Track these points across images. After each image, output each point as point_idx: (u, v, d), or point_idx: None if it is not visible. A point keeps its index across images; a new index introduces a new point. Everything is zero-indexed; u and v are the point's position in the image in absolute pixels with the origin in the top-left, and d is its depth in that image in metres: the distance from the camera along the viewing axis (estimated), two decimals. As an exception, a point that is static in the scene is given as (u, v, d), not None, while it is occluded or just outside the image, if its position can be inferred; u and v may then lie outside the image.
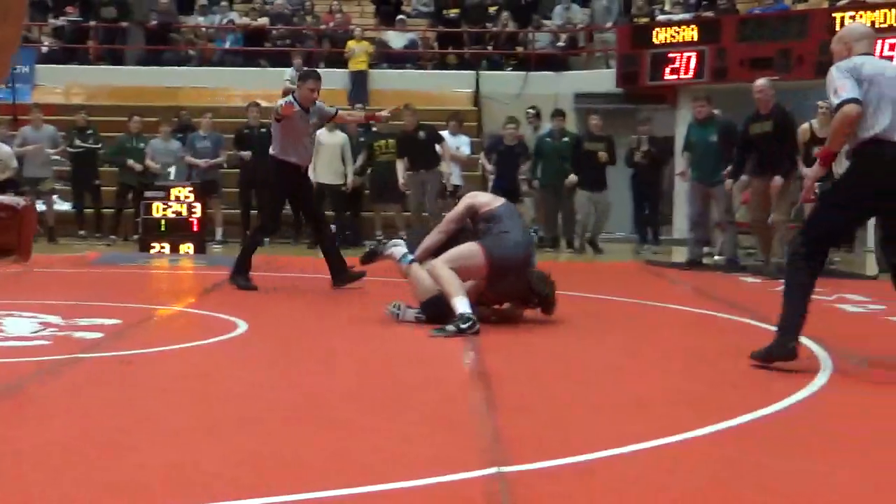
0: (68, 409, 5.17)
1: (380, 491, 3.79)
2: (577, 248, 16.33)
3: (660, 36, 19.71)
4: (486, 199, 8.41)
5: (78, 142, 17.30)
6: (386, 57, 22.38)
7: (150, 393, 5.68)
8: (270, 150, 10.83)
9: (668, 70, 19.45)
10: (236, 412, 5.11)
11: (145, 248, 14.88)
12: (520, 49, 22.65)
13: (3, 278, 10.47)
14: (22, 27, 2.09)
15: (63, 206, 17.72)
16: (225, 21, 23.01)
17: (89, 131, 17.51)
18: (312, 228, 11.80)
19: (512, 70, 22.08)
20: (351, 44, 21.52)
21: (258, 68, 22.25)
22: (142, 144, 17.18)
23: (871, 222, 6.73)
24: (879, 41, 16.02)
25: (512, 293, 8.20)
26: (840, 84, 6.14)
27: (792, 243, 6.75)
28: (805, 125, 12.84)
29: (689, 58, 19.14)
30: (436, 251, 8.14)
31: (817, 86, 6.92)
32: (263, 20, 22.57)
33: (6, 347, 6.84)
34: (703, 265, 13.38)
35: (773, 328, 6.33)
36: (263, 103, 19.18)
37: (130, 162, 16.91)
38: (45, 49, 22.60)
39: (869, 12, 17.31)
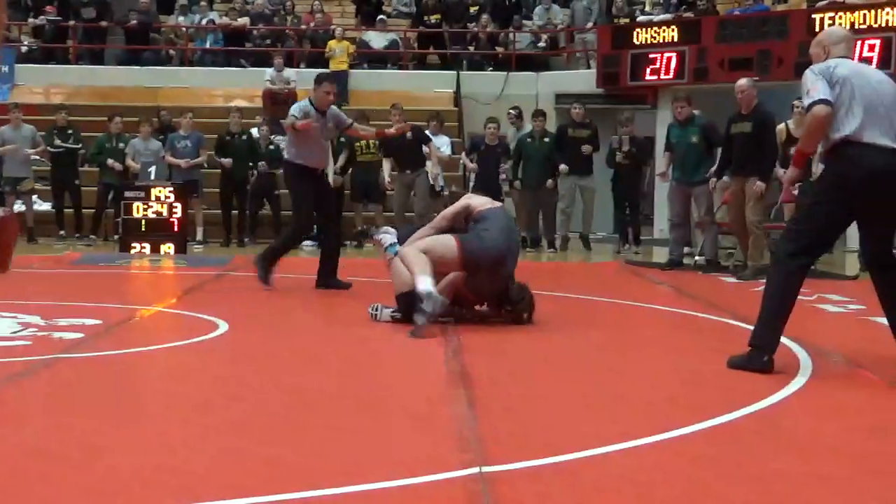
0: (47, 409, 5.15)
1: (361, 491, 3.78)
2: (558, 246, 16.33)
3: (640, 36, 19.75)
4: (482, 201, 8.40)
5: (58, 141, 17.22)
6: (366, 57, 22.38)
7: (131, 393, 5.67)
8: (284, 155, 10.77)
9: (648, 70, 19.49)
10: (217, 413, 5.10)
11: (126, 248, 14.82)
12: (500, 49, 22.66)
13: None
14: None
15: (43, 206, 17.65)
16: (205, 21, 22.96)
17: (69, 131, 17.43)
18: (321, 226, 11.71)
19: (492, 70, 22.09)
20: (332, 44, 21.51)
21: (239, 68, 22.23)
22: (121, 144, 17.12)
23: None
24: (859, 42, 16.09)
25: (486, 292, 8.18)
26: (812, 86, 6.16)
27: (775, 245, 6.76)
28: (781, 125, 12.89)
29: (669, 58, 19.19)
30: None
31: (797, 86, 6.95)
32: (244, 20, 22.52)
33: (-14, 348, 6.81)
34: (683, 265, 13.41)
35: (752, 327, 6.34)
36: (244, 104, 19.21)
37: (110, 162, 16.84)
38: (24, 48, 22.51)
39: (848, 13, 17.37)
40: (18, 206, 16.92)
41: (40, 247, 16.05)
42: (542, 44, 22.69)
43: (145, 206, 14.86)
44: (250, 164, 17.02)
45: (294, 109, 10.63)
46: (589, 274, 13.41)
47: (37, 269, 12.55)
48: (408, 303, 7.94)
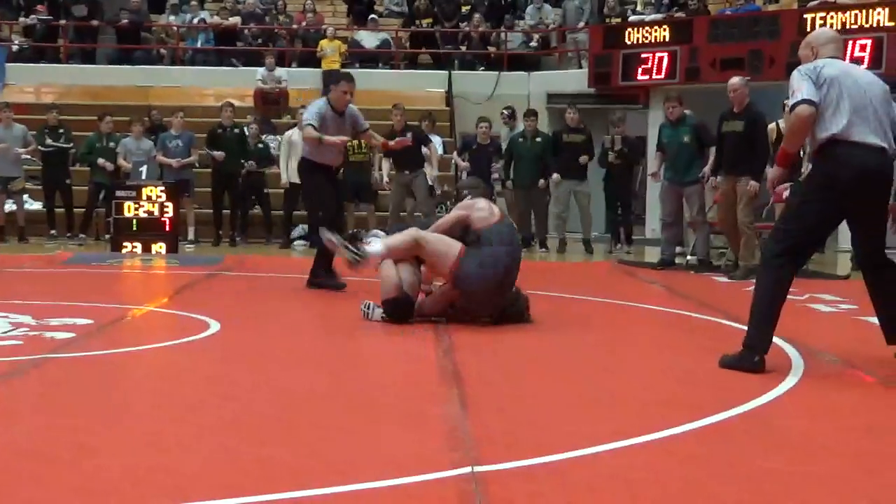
0: (38, 409, 5.14)
1: (353, 491, 3.78)
2: (553, 248, 16.34)
3: (632, 36, 19.75)
4: (483, 214, 8.11)
5: (49, 141, 17.19)
6: (358, 57, 22.37)
7: (122, 393, 5.66)
8: (301, 153, 10.70)
9: (640, 70, 19.49)
10: (209, 412, 5.09)
11: (117, 247, 14.80)
12: (492, 49, 22.67)
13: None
14: None
15: (34, 205, 17.62)
16: (196, 20, 22.93)
17: (60, 130, 17.40)
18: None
19: (484, 70, 22.10)
20: (323, 43, 21.50)
21: (230, 67, 22.21)
22: (112, 144, 17.08)
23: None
24: (850, 42, 16.11)
25: (480, 312, 8.07)
26: (798, 86, 6.17)
27: (765, 245, 6.76)
28: (772, 125, 12.90)
29: (661, 58, 19.19)
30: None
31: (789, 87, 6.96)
32: (235, 19, 22.51)
33: (-24, 348, 6.80)
34: (675, 265, 13.42)
35: (744, 327, 6.35)
36: (236, 103, 19.15)
37: (101, 161, 16.81)
38: (15, 48, 22.47)
39: (839, 13, 17.39)
40: (9, 206, 16.91)
41: (31, 246, 16.04)
42: (533, 43, 22.70)
43: (136, 206, 14.84)
44: (241, 160, 16.99)
45: (310, 111, 10.49)
46: (581, 273, 13.42)
47: (28, 269, 12.54)
48: (394, 307, 7.95)
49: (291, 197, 16.74)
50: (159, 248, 14.74)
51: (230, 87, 21.39)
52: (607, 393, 5.78)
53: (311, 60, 21.88)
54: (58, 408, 5.17)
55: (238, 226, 17.24)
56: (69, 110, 18.90)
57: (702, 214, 13.32)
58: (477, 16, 22.86)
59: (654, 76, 19.30)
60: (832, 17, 17.27)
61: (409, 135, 15.21)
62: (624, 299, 10.23)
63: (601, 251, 16.58)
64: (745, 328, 6.32)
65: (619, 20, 20.77)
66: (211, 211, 17.14)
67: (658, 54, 19.21)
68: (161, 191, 15.01)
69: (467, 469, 4.00)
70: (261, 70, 20.84)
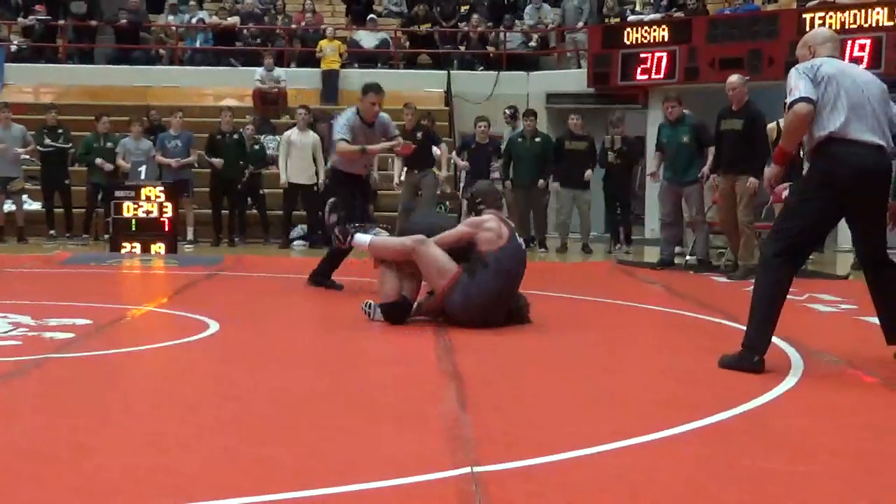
0: (38, 409, 5.14)
1: (353, 491, 3.77)
2: (559, 248, 16.34)
3: (631, 36, 19.76)
4: (489, 236, 7.86)
5: (48, 141, 17.19)
6: (357, 56, 22.37)
7: (122, 393, 5.65)
8: (330, 161, 10.65)
9: (639, 70, 19.50)
10: (208, 412, 5.09)
11: (116, 248, 14.80)
12: (491, 49, 22.67)
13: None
14: None
15: (33, 205, 17.61)
16: (195, 20, 22.93)
17: (59, 130, 17.40)
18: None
19: (483, 70, 22.10)
20: (323, 43, 21.51)
21: (229, 67, 22.21)
22: (109, 144, 17.08)
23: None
24: (849, 42, 16.12)
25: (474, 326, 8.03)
26: (795, 84, 6.16)
27: (763, 245, 6.76)
28: (772, 124, 12.89)
29: (660, 58, 19.20)
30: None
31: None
32: (234, 19, 22.52)
33: (-24, 348, 6.79)
34: (674, 265, 13.41)
35: (744, 327, 6.34)
36: (234, 103, 19.18)
37: (99, 161, 16.81)
38: (14, 48, 22.47)
39: (838, 13, 17.40)
40: (8, 206, 16.90)
41: (30, 246, 16.04)
42: (532, 43, 22.71)
43: (136, 206, 14.84)
44: (241, 163, 16.99)
45: (339, 124, 10.40)
46: (581, 274, 13.41)
47: (27, 269, 12.53)
48: (392, 311, 7.94)
49: (290, 197, 16.74)
50: (158, 248, 14.74)
51: (229, 87, 21.42)
52: (607, 393, 5.78)
53: (310, 60, 21.90)
54: (57, 408, 5.16)
55: (236, 226, 17.23)
56: (68, 110, 18.90)
57: (701, 214, 13.32)
58: (476, 16, 22.87)
59: (653, 76, 19.31)
60: (831, 17, 17.28)
61: (418, 135, 15.24)
62: (623, 299, 10.23)
63: (601, 251, 16.58)
64: (745, 328, 6.31)
65: (618, 20, 20.77)
66: (210, 211, 17.14)
67: (657, 54, 19.23)
68: (160, 191, 15.00)
69: (467, 469, 4.00)
70: (259, 70, 20.84)
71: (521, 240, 8.16)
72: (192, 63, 22.68)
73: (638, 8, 21.21)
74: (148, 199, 14.87)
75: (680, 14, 19.89)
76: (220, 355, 6.87)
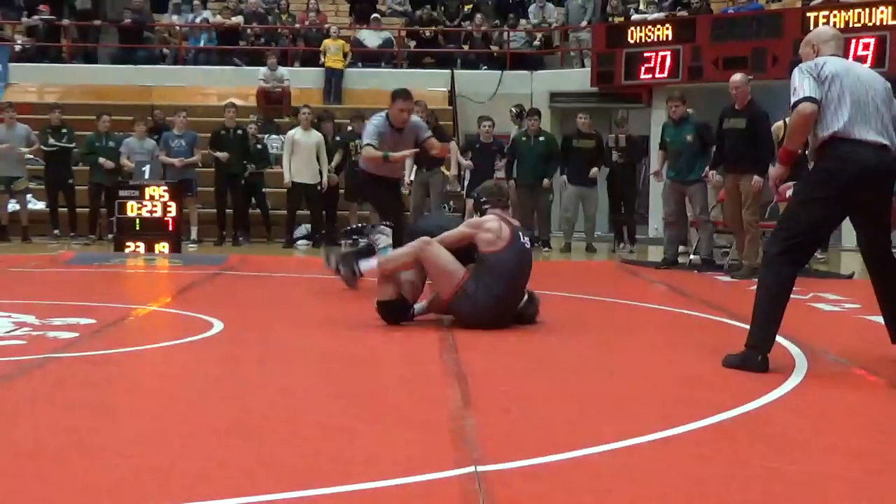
0: (41, 409, 5.13)
1: (356, 491, 3.77)
2: (562, 248, 16.33)
3: (635, 35, 19.77)
4: (489, 237, 7.77)
5: (52, 140, 17.19)
6: (361, 56, 22.38)
7: (125, 393, 5.66)
8: (360, 164, 10.62)
9: (642, 69, 19.51)
10: (212, 412, 5.09)
11: (120, 247, 14.80)
12: (495, 48, 22.67)
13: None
14: None
15: (37, 205, 17.63)
16: (199, 19, 22.95)
17: (63, 130, 17.40)
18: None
19: (487, 69, 22.10)
20: (327, 42, 21.52)
21: (233, 67, 22.22)
22: (111, 143, 17.09)
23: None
24: (853, 41, 16.11)
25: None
26: (799, 84, 6.15)
27: (766, 244, 6.75)
28: (779, 122, 12.88)
29: (663, 57, 19.21)
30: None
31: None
32: (238, 19, 22.53)
33: (-20, 347, 6.80)
34: (678, 264, 13.41)
35: (748, 327, 6.34)
36: (239, 102, 19.17)
37: (102, 160, 16.82)
38: (18, 47, 22.50)
39: (842, 12, 17.39)
40: (13, 206, 16.92)
41: (34, 246, 16.05)
42: (536, 42, 22.71)
43: (139, 206, 14.83)
44: (244, 161, 17.00)
45: (368, 129, 10.33)
46: (584, 273, 13.42)
47: (31, 269, 12.54)
48: (388, 310, 7.92)
49: (294, 196, 16.74)
50: (162, 247, 14.74)
51: (233, 86, 21.43)
52: (611, 392, 5.77)
53: (314, 60, 21.91)
54: (61, 407, 5.16)
55: (240, 225, 17.23)
56: (72, 110, 18.90)
57: (705, 213, 13.31)
58: (479, 15, 22.89)
59: (656, 75, 19.31)
60: (835, 16, 17.28)
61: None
62: (627, 299, 10.23)
63: (604, 250, 16.58)
64: (749, 328, 6.31)
65: (621, 19, 20.77)
66: (214, 210, 17.15)
67: (661, 53, 19.24)
68: (164, 190, 15.00)
69: (471, 469, 4.00)
70: (263, 69, 20.85)
71: (525, 238, 8.07)
72: (196, 62, 22.72)
73: (642, 7, 21.20)
74: (152, 198, 14.86)
75: (684, 13, 19.90)
76: (224, 355, 6.86)
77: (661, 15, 20.08)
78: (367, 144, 10.12)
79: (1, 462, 4.11)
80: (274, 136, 18.86)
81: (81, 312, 8.37)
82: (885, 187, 6.25)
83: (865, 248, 6.55)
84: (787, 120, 12.98)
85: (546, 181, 16.27)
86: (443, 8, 23.39)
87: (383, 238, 8.35)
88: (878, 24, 17.06)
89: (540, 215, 16.62)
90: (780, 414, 5.26)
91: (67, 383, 5.85)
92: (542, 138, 16.43)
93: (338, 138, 17.34)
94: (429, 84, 21.55)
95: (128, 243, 14.78)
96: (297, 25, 23.02)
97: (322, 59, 21.52)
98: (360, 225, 9.01)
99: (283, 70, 20.96)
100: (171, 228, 14.92)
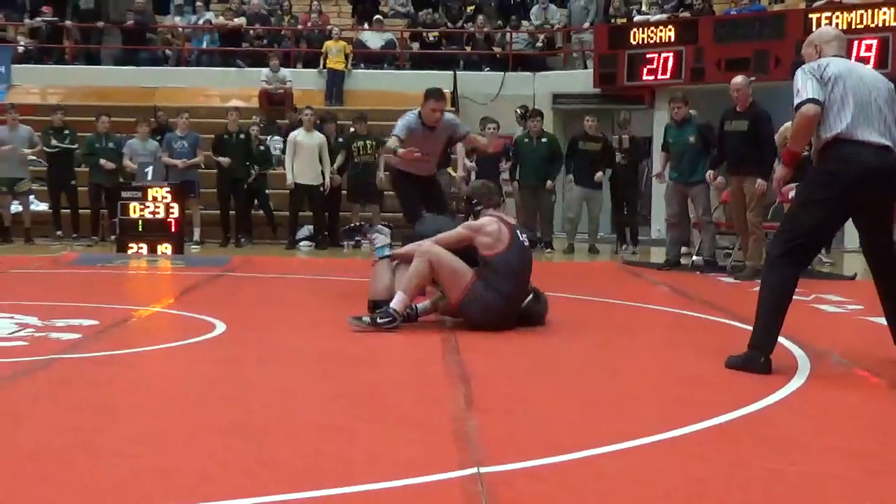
0: (44, 410, 5.14)
1: (359, 492, 3.77)
2: (566, 249, 16.33)
3: (637, 36, 19.77)
4: (488, 241, 7.75)
5: (55, 142, 17.20)
6: (363, 57, 22.39)
7: (128, 394, 5.66)
8: (391, 160, 10.60)
9: (645, 71, 19.51)
10: (214, 413, 5.10)
11: (123, 248, 14.81)
12: (497, 49, 22.68)
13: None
14: None
15: (40, 206, 17.64)
16: (202, 21, 22.97)
17: (66, 131, 17.40)
18: None
19: (489, 71, 22.09)
20: (329, 44, 21.54)
21: (235, 68, 22.22)
22: (111, 144, 17.10)
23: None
24: (855, 42, 16.11)
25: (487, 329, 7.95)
26: (802, 85, 6.15)
27: (769, 246, 6.75)
28: (787, 124, 12.87)
29: (666, 58, 19.21)
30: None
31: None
32: (240, 20, 22.54)
33: (-17, 349, 6.81)
34: (680, 265, 13.41)
35: (750, 328, 6.34)
36: (241, 104, 19.18)
37: (102, 161, 16.82)
38: (21, 49, 22.51)
39: (845, 13, 17.38)
40: (15, 207, 16.93)
41: (37, 247, 16.05)
42: (538, 44, 22.71)
43: (142, 207, 14.85)
44: (248, 164, 17.00)
45: (399, 124, 10.22)
46: (587, 274, 13.41)
47: (34, 270, 12.55)
48: (374, 310, 7.93)
49: (297, 198, 16.74)
50: (165, 248, 14.75)
51: (235, 87, 21.45)
52: (613, 393, 5.77)
53: (316, 61, 21.92)
54: (63, 408, 5.17)
55: (242, 227, 17.23)
56: (74, 111, 18.89)
57: (707, 215, 13.30)
58: (481, 16, 22.89)
59: (659, 76, 19.32)
60: (838, 17, 17.28)
61: None
62: (630, 300, 10.23)
63: (607, 252, 16.57)
64: (751, 329, 6.31)
65: (624, 20, 20.78)
66: (217, 212, 17.15)
67: (663, 54, 19.24)
68: (167, 191, 15.01)
69: (473, 470, 4.00)
70: (265, 71, 20.86)
71: (524, 237, 8.04)
72: (199, 64, 22.75)
73: (644, 8, 21.22)
74: (154, 199, 14.88)
75: (686, 14, 19.89)
76: (227, 356, 6.87)
77: (664, 16, 20.09)
78: (394, 136, 10.11)
79: (4, 462, 4.11)
80: (277, 138, 18.86)
81: (84, 314, 8.37)
82: (887, 188, 6.24)
83: (868, 249, 6.55)
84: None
85: (549, 183, 16.28)
86: (444, 9, 23.40)
87: (381, 238, 8.33)
88: (880, 25, 17.06)
89: (542, 217, 16.63)
90: (783, 415, 5.26)
91: (70, 384, 5.85)
92: (544, 140, 16.44)
93: (340, 140, 17.34)
94: (431, 85, 21.43)
95: (130, 244, 14.80)
96: (300, 27, 23.02)
97: (322, 63, 21.52)
98: (360, 224, 8.96)
99: (285, 71, 20.98)
100: (173, 230, 14.94)
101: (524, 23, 23.16)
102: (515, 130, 17.96)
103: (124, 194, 15.10)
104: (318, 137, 16.72)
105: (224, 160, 16.77)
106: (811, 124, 6.13)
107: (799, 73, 6.24)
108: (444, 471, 4.01)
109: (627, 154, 16.60)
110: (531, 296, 8.07)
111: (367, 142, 16.86)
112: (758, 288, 6.42)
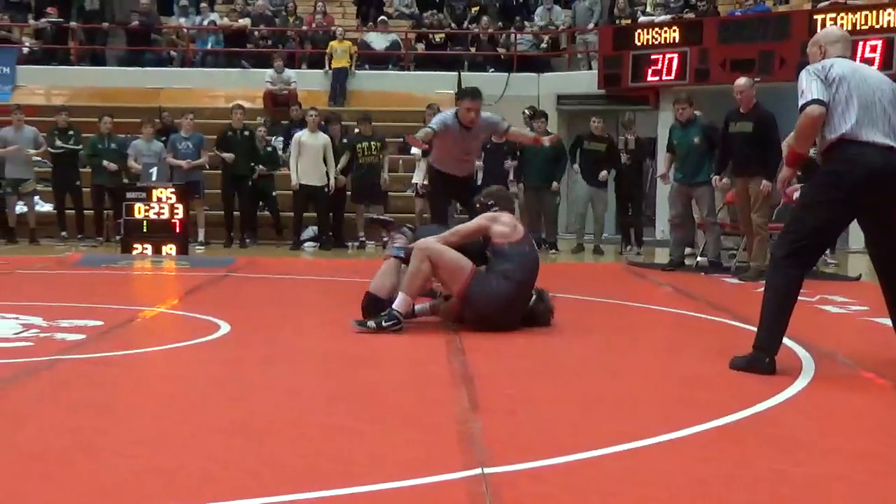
0: (48, 410, 5.14)
1: (363, 493, 3.77)
2: (574, 249, 16.33)
3: (642, 37, 19.77)
4: (505, 230, 7.91)
5: (59, 143, 17.21)
6: (368, 58, 22.40)
7: (131, 394, 5.66)
8: (429, 159, 10.62)
9: (649, 72, 19.51)
10: (218, 414, 5.10)
11: (127, 249, 14.82)
12: (502, 50, 22.69)
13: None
14: None
15: (45, 207, 17.65)
16: (206, 22, 22.98)
17: (70, 132, 17.42)
18: None
19: (494, 71, 22.09)
20: (333, 44, 21.56)
21: (240, 69, 22.23)
22: (114, 144, 17.11)
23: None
24: (860, 43, 16.10)
25: (490, 329, 7.91)
26: (806, 86, 6.14)
27: (773, 247, 6.74)
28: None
29: (670, 59, 19.21)
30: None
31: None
32: (245, 21, 22.55)
33: (-13, 349, 6.81)
34: (684, 266, 13.40)
35: (755, 329, 6.33)
36: (247, 104, 19.18)
37: (105, 162, 16.83)
38: (25, 50, 22.53)
39: (850, 14, 17.37)
40: (20, 208, 16.95)
41: (42, 248, 16.08)
42: (543, 45, 22.71)
43: (147, 208, 14.86)
44: (251, 162, 17.01)
45: (436, 118, 10.33)
46: (591, 275, 13.41)
47: (39, 271, 12.56)
48: (372, 305, 7.91)
49: (301, 198, 16.75)
50: (170, 249, 14.76)
51: (240, 88, 21.46)
52: (617, 394, 5.77)
53: (321, 62, 21.94)
54: (67, 408, 5.17)
55: (248, 227, 17.25)
56: (79, 112, 18.93)
57: (712, 215, 13.30)
58: (486, 17, 22.90)
59: (663, 77, 19.32)
60: (842, 18, 17.27)
61: None
62: (634, 301, 10.23)
63: (611, 252, 16.57)
64: (756, 330, 6.30)
65: (628, 21, 20.77)
66: (221, 213, 17.17)
67: (668, 55, 19.24)
68: (171, 192, 15.02)
69: (477, 470, 4.00)
70: (270, 72, 20.87)
71: (533, 241, 8.16)
72: (203, 65, 22.76)
73: (649, 9, 21.21)
74: (159, 200, 14.89)
75: (691, 15, 19.88)
76: (231, 357, 6.87)
77: (668, 17, 20.08)
78: (428, 127, 10.14)
79: (7, 463, 4.12)
80: (280, 139, 18.87)
81: (89, 314, 8.38)
82: (892, 189, 6.23)
83: (873, 250, 6.54)
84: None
85: (555, 184, 16.29)
86: (448, 10, 23.40)
87: (402, 240, 8.31)
88: (885, 26, 17.05)
89: (547, 218, 16.63)
90: (787, 416, 5.26)
91: (74, 385, 5.86)
92: (548, 140, 16.43)
93: (345, 140, 17.35)
94: (436, 86, 21.54)
95: (135, 245, 14.80)
96: (304, 28, 23.03)
97: (328, 64, 21.54)
98: (390, 219, 8.94)
99: (289, 72, 20.99)
100: (178, 230, 14.94)
101: (528, 24, 23.13)
102: (521, 131, 17.93)
103: (129, 195, 15.11)
104: (323, 138, 16.73)
105: (228, 156, 16.79)
106: (815, 125, 6.13)
107: (803, 73, 6.23)
108: (447, 471, 4.01)
109: (632, 155, 16.63)
110: (535, 296, 8.08)
111: (372, 143, 16.87)
112: (762, 289, 6.42)
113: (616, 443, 4.45)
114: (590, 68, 21.44)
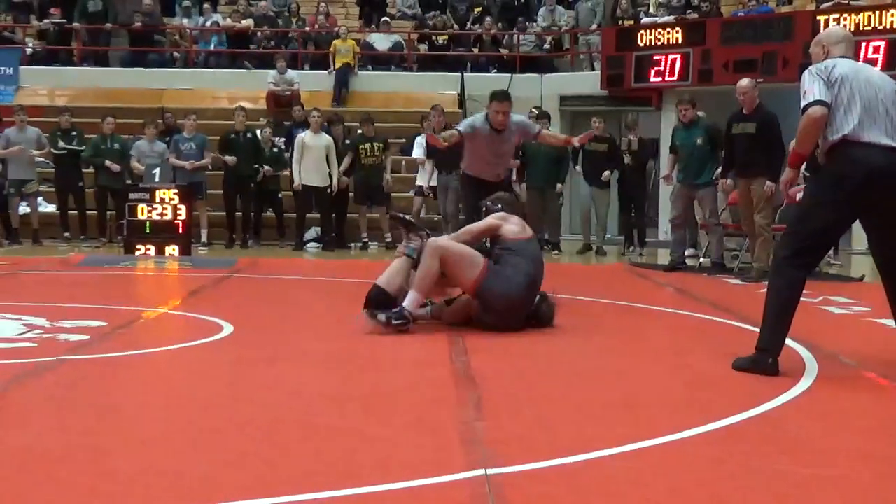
0: (52, 411, 5.15)
1: (366, 493, 3.78)
2: (580, 249, 16.32)
3: (644, 38, 19.76)
4: (515, 229, 8.11)
5: (62, 143, 17.22)
6: (370, 59, 22.40)
7: (135, 395, 5.66)
8: (462, 165, 10.62)
9: (652, 72, 19.50)
10: (221, 415, 5.10)
11: (130, 250, 14.82)
12: (505, 51, 22.69)
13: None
14: None
15: (48, 207, 17.66)
16: (209, 23, 22.99)
17: (73, 133, 17.42)
18: None
19: (496, 72, 22.09)
20: (337, 43, 21.58)
21: (243, 70, 22.24)
22: (116, 145, 17.11)
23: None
24: (864, 44, 16.08)
25: (498, 328, 7.89)
26: (809, 87, 6.14)
27: (776, 247, 6.74)
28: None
29: (673, 60, 19.20)
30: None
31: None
32: (248, 22, 22.56)
33: (-9, 350, 6.82)
34: (686, 266, 13.39)
35: (758, 330, 6.33)
36: (249, 106, 19.18)
37: (108, 163, 16.83)
38: (29, 50, 22.55)
39: (853, 14, 17.36)
40: (23, 208, 16.95)
41: (45, 248, 16.08)
42: (546, 45, 22.71)
43: (150, 208, 14.85)
44: (255, 164, 17.00)
45: (465, 121, 10.36)
46: (594, 276, 13.41)
47: (42, 271, 12.57)
48: (376, 298, 7.91)
49: (304, 199, 16.74)
50: (172, 250, 14.75)
51: (243, 89, 21.46)
52: (620, 396, 5.77)
53: (323, 63, 21.95)
54: (70, 410, 5.18)
55: (251, 228, 17.25)
56: (82, 113, 18.92)
57: (714, 216, 13.30)
58: (489, 18, 22.91)
59: (666, 78, 19.31)
60: (846, 19, 17.26)
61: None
62: (637, 302, 10.23)
63: (614, 253, 16.57)
64: (759, 331, 6.30)
65: (631, 22, 20.77)
66: (224, 213, 17.16)
67: (671, 56, 19.23)
68: (174, 193, 15.02)
69: (480, 471, 4.00)
70: (273, 72, 20.88)
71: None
72: (206, 65, 22.76)
73: (651, 10, 21.21)
74: (162, 201, 14.88)
75: (693, 16, 19.88)
76: (234, 357, 6.87)
77: (671, 18, 20.07)
78: (454, 129, 10.16)
79: (11, 463, 4.12)
80: (282, 139, 18.87)
81: (92, 315, 8.38)
82: (894, 189, 6.23)
83: (876, 251, 6.54)
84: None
85: (559, 186, 16.31)
86: (450, 10, 23.40)
87: (418, 242, 8.30)
88: (888, 27, 17.04)
89: (550, 218, 16.63)
90: (790, 417, 5.26)
91: (78, 386, 5.86)
92: (551, 140, 16.43)
93: (347, 141, 17.34)
94: (439, 87, 21.56)
95: (138, 246, 14.79)
96: (307, 28, 23.04)
97: (332, 64, 21.55)
98: (412, 220, 8.93)
99: (292, 73, 20.98)
100: (181, 231, 14.94)
101: (531, 24, 23.13)
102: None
103: (132, 196, 15.09)
104: (326, 139, 16.73)
105: (230, 159, 16.79)
106: (818, 126, 6.13)
107: (806, 74, 6.23)
108: (451, 472, 4.01)
109: (635, 156, 16.62)
110: (538, 297, 8.10)
111: (374, 144, 16.87)
112: (765, 290, 6.42)
113: (620, 444, 4.45)
114: (593, 69, 21.43)
